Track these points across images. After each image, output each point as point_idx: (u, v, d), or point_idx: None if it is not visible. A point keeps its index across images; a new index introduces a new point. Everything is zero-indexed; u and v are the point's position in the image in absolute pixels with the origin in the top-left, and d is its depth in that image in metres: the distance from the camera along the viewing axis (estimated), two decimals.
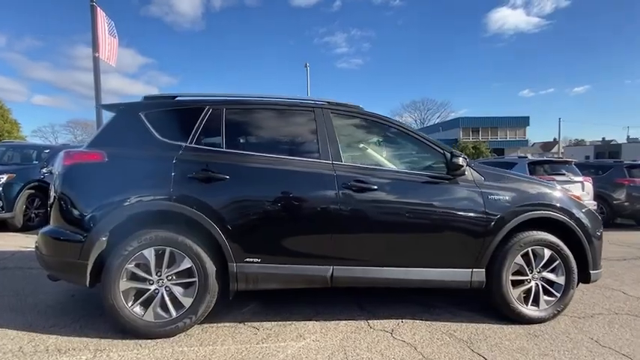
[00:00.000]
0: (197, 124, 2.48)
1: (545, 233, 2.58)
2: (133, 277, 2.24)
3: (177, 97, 2.65)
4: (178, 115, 2.55)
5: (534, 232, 2.57)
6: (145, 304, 2.24)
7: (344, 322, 2.55)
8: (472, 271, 2.51)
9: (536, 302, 2.58)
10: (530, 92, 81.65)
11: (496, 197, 2.53)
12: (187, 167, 2.31)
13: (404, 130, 2.69)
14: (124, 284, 2.21)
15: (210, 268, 2.27)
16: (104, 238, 2.20)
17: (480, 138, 39.27)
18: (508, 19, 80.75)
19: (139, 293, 2.24)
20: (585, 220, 2.65)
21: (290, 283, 2.39)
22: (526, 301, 2.57)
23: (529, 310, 2.56)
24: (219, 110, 2.54)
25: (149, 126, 2.44)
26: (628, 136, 45.48)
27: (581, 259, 2.62)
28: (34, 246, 2.47)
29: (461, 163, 2.42)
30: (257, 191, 2.36)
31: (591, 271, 2.63)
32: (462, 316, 2.67)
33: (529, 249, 2.56)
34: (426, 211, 2.47)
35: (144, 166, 2.32)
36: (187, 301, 2.26)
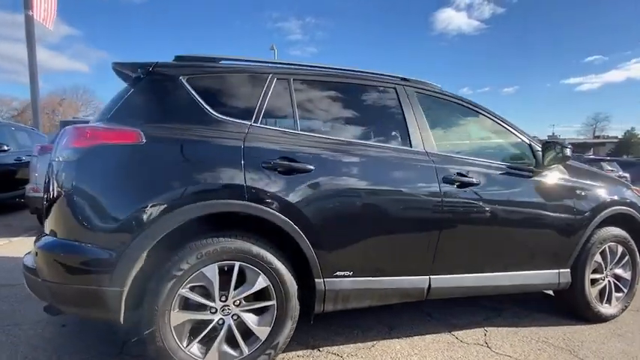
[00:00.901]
0: (260, 98, 1.87)
1: (620, 229, 2.51)
2: (189, 305, 1.61)
3: (221, 59, 1.99)
4: (232, 84, 1.91)
5: (611, 229, 2.48)
6: (207, 342, 1.63)
7: (429, 336, 2.20)
8: (559, 272, 2.34)
9: (609, 300, 2.52)
10: (469, 90, 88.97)
11: (583, 193, 2.37)
12: (260, 154, 1.72)
13: (491, 117, 2.38)
14: (176, 317, 1.57)
15: (292, 286, 1.73)
16: (144, 254, 1.53)
17: None
18: (452, 19, 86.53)
19: (198, 327, 1.63)
20: None
21: (385, 299, 1.96)
22: (601, 299, 2.50)
23: (604, 309, 2.48)
24: (286, 81, 1.96)
25: (196, 96, 1.77)
26: (553, 133, 52.21)
27: None
28: (22, 264, 1.66)
29: (568, 154, 2.19)
30: (348, 186, 1.85)
31: None
32: (539, 319, 2.50)
33: (606, 246, 2.47)
34: (523, 209, 2.21)
35: (201, 151, 1.67)
36: (263, 332, 1.70)
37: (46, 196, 1.66)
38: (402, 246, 1.97)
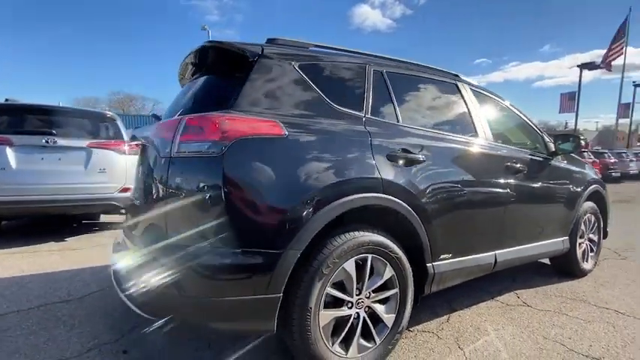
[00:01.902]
0: (366, 90, 1.86)
1: (593, 203, 3.21)
2: (332, 302, 1.56)
3: (310, 46, 1.88)
4: (339, 73, 1.83)
5: (589, 202, 3.15)
6: (346, 338, 1.61)
7: (482, 304, 2.52)
8: (563, 240, 2.89)
9: (587, 259, 3.21)
10: None
11: (576, 175, 2.96)
12: (383, 147, 1.72)
13: (518, 114, 2.77)
14: (323, 316, 1.51)
15: (409, 273, 1.80)
16: (299, 255, 1.42)
17: None
18: (369, 16, 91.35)
19: (338, 324, 1.59)
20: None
21: (469, 275, 2.17)
22: (583, 259, 3.16)
23: (585, 266, 3.16)
24: (380, 73, 1.97)
25: (313, 85, 1.67)
26: None
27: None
28: (129, 288, 1.35)
29: (578, 147, 2.70)
30: (450, 176, 1.99)
31: (607, 229, 3.46)
32: (543, 281, 3.03)
33: (586, 216, 3.14)
34: (549, 188, 2.67)
35: (339, 144, 1.59)
36: (390, 320, 1.74)
37: (158, 198, 1.38)
38: (483, 226, 2.21)
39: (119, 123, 4.51)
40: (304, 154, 1.49)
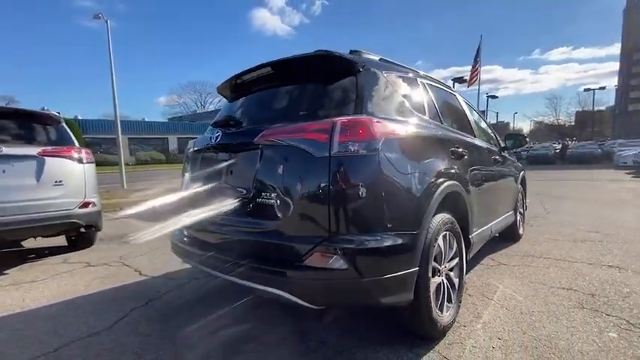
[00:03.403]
0: (422, 96, 2.26)
1: (521, 185, 4.32)
2: (432, 273, 1.91)
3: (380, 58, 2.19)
4: (406, 83, 2.16)
5: (519, 185, 4.24)
6: (441, 301, 1.98)
7: (478, 267, 3.20)
8: (512, 213, 3.84)
9: (521, 226, 4.30)
10: None
11: (515, 164, 3.98)
12: (446, 144, 2.16)
13: (486, 122, 3.57)
14: (432, 283, 1.85)
15: (463, 244, 2.26)
16: (425, 233, 1.75)
17: None
18: (268, 21, 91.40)
19: (436, 291, 1.94)
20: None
21: (482, 242, 2.78)
22: (520, 226, 4.23)
23: (521, 231, 4.24)
24: (423, 84, 2.39)
25: (398, 92, 1.97)
26: None
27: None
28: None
29: (523, 144, 3.64)
30: (479, 166, 2.64)
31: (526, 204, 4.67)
32: (497, 247, 3.96)
33: (519, 195, 4.21)
34: (508, 175, 3.55)
35: (431, 141, 1.95)
36: (457, 283, 2.17)
37: (314, 195, 1.48)
38: (491, 202, 2.86)
39: (65, 125, 3.80)
40: (417, 151, 1.79)
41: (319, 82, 1.84)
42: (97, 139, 32.75)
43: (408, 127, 1.82)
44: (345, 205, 1.48)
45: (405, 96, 2.02)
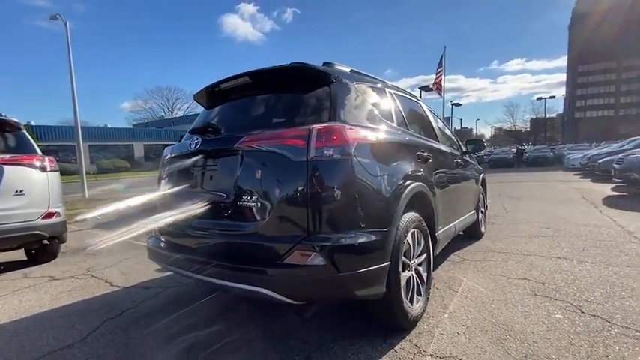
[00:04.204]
0: (390, 105, 2.44)
1: (481, 187, 4.66)
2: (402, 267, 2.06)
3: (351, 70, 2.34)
4: (374, 92, 2.32)
5: (480, 186, 4.57)
6: (410, 294, 2.13)
7: (445, 263, 3.42)
8: (474, 212, 4.14)
9: (482, 224, 4.62)
10: None
11: (476, 167, 4.30)
12: (412, 149, 2.35)
13: (448, 127, 3.84)
14: (403, 276, 2.00)
15: (430, 241, 2.45)
16: (395, 230, 1.90)
17: None
18: (239, 27, 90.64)
19: (406, 284, 2.10)
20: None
21: (447, 240, 2.99)
22: (482, 224, 4.55)
23: (483, 229, 4.56)
24: (391, 94, 2.58)
25: (367, 101, 2.13)
26: None
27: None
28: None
29: (482, 148, 3.95)
30: (444, 169, 2.87)
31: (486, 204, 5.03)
32: (462, 244, 4.24)
33: (480, 195, 4.54)
34: (470, 176, 3.83)
35: (397, 146, 2.11)
36: (425, 277, 2.34)
37: (291, 197, 1.58)
38: (454, 202, 3.08)
39: (26, 132, 3.63)
40: (386, 155, 1.95)
41: (295, 91, 1.95)
42: (52, 146, 30.69)
43: (378, 134, 1.97)
44: (322, 206, 1.60)
45: (374, 104, 2.19)
